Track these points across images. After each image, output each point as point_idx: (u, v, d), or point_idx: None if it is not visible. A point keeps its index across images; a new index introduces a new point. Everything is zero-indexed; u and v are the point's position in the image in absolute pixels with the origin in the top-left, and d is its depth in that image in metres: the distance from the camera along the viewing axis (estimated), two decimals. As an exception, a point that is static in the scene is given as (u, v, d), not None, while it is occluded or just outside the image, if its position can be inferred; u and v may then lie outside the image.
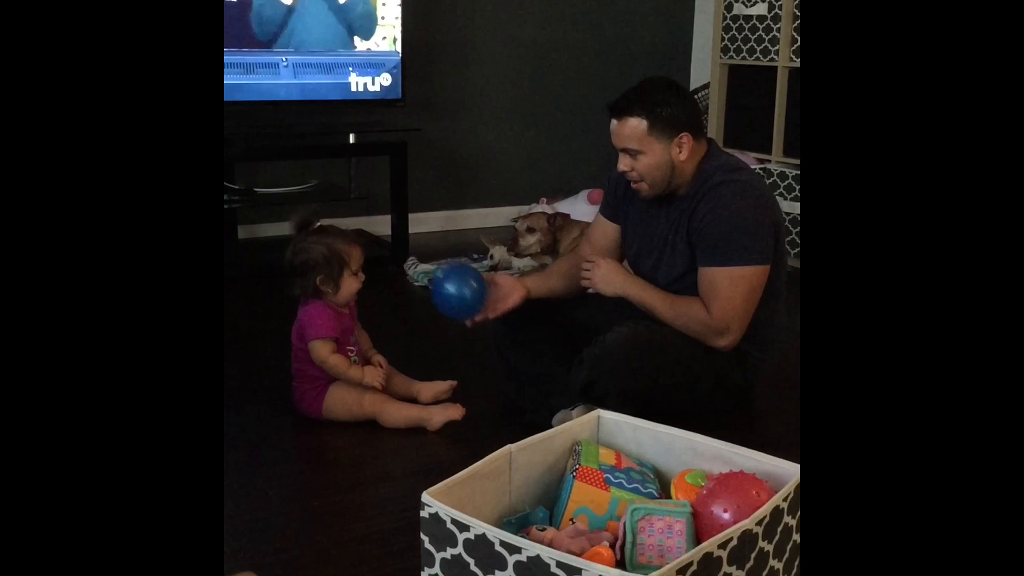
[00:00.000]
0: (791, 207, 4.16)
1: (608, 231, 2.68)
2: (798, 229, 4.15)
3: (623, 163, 2.40)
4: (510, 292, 2.50)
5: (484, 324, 2.51)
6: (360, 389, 2.45)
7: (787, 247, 4.10)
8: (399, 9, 4.12)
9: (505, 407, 2.56)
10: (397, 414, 2.43)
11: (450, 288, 2.38)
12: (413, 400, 2.53)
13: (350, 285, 2.44)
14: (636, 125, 2.34)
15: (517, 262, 3.96)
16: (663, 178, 2.39)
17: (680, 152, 2.35)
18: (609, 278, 2.45)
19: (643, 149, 2.35)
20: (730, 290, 2.33)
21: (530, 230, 3.87)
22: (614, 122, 2.39)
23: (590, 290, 2.52)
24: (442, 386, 2.55)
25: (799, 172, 4.15)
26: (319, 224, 2.48)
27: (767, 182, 4.27)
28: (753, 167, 4.30)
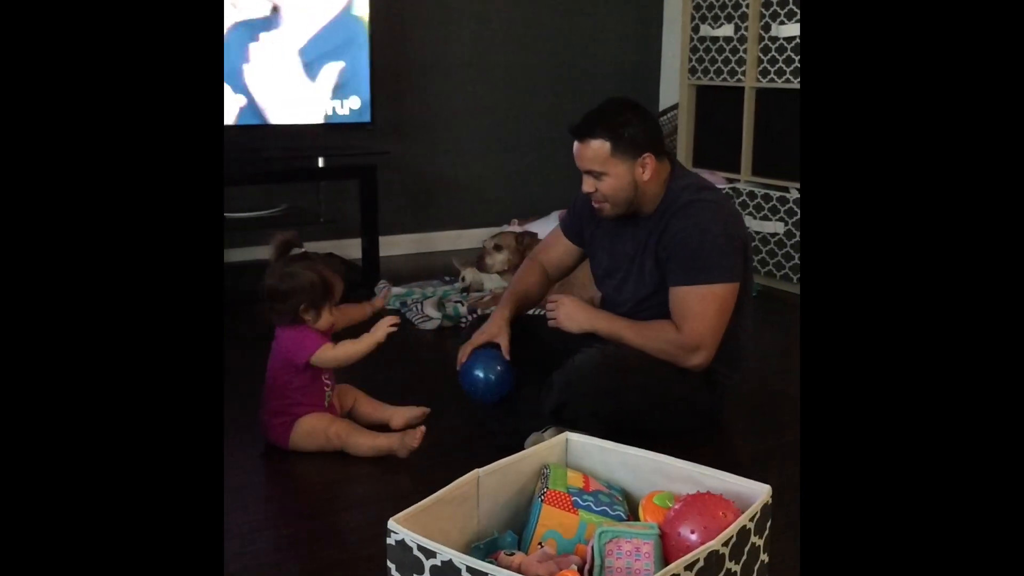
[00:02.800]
0: (760, 226, 4.19)
1: (565, 247, 2.71)
2: (768, 247, 4.18)
3: (587, 184, 2.41)
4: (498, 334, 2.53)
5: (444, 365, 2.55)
6: (327, 420, 2.42)
7: (756, 265, 4.13)
8: (368, 32, 4.12)
9: (476, 430, 2.55)
10: (364, 445, 2.40)
11: (478, 372, 2.47)
12: (385, 426, 2.51)
13: (329, 318, 2.43)
14: (599, 147, 2.36)
15: (488, 283, 3.96)
16: (626, 199, 2.40)
17: (643, 172, 2.37)
18: (574, 316, 2.46)
19: (606, 171, 2.37)
20: (701, 308, 2.34)
21: (497, 248, 3.87)
22: (577, 144, 2.40)
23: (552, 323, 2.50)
24: (414, 412, 2.53)
25: (767, 191, 4.18)
26: (303, 251, 2.46)
27: (736, 201, 4.30)
28: (722, 187, 4.34)
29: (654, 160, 2.37)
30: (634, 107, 2.42)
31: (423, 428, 2.40)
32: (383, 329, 2.39)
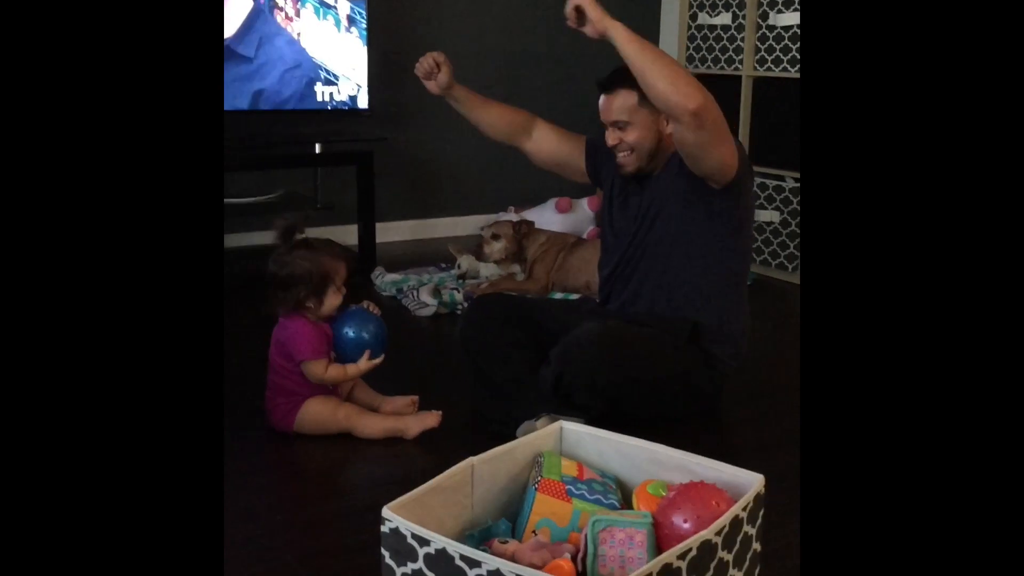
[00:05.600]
0: (756, 214, 4.19)
1: (575, 146, 2.76)
2: (764, 236, 4.18)
3: (611, 137, 2.48)
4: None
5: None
6: (334, 403, 2.44)
7: (751, 254, 4.15)
8: (365, 18, 4.11)
9: (470, 418, 2.56)
10: (373, 426, 2.42)
11: (349, 332, 2.45)
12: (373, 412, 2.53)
13: (333, 301, 2.43)
14: (626, 96, 2.43)
15: (484, 270, 3.97)
16: (650, 150, 2.47)
17: (668, 125, 2.41)
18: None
19: (632, 120, 2.44)
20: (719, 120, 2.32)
21: (495, 237, 3.87)
22: (603, 97, 2.48)
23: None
24: (403, 401, 2.54)
25: (763, 180, 4.18)
26: (305, 237, 2.46)
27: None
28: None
29: None
30: None
31: (440, 413, 2.44)
32: (365, 363, 2.43)
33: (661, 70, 2.22)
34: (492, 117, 2.74)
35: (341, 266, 2.44)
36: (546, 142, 2.77)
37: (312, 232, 4.46)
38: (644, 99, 2.39)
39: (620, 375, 2.33)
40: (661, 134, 2.45)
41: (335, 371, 2.43)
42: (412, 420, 2.44)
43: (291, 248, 2.41)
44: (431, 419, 2.43)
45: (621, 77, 2.42)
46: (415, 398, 2.54)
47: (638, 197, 2.53)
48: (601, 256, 2.70)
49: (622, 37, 2.22)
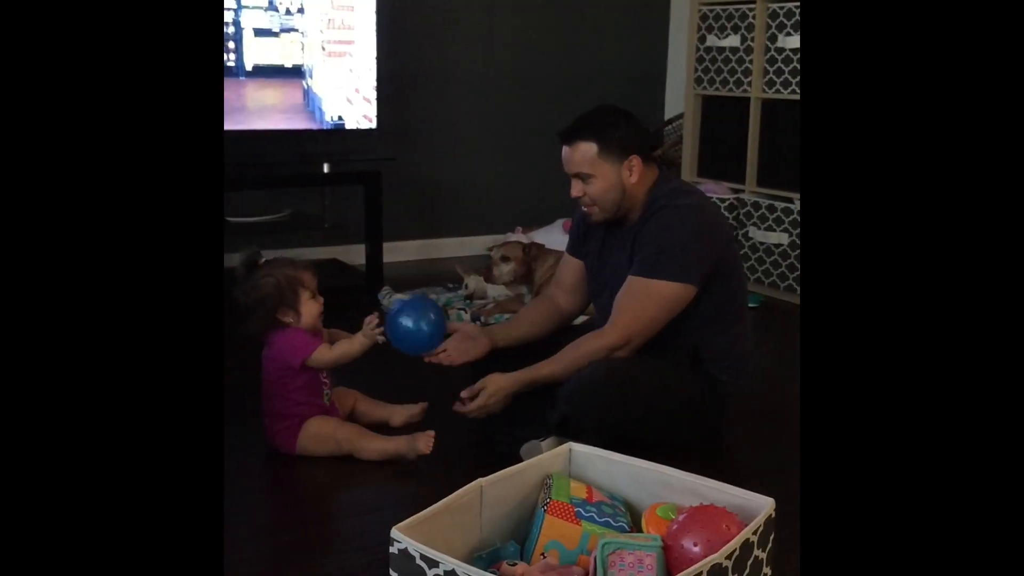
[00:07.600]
0: (764, 237, 4.18)
1: (575, 268, 2.71)
2: (772, 258, 4.17)
3: (575, 189, 2.45)
4: (474, 344, 2.50)
5: (443, 368, 2.47)
6: (334, 424, 2.43)
7: (760, 276, 4.12)
8: (374, 38, 4.13)
9: (477, 438, 2.55)
10: (372, 449, 2.40)
11: (407, 322, 2.35)
12: (384, 424, 2.51)
13: (311, 308, 2.41)
14: (586, 149, 2.39)
15: (492, 291, 3.96)
16: (614, 201, 2.43)
17: (631, 175, 2.39)
18: (497, 387, 2.37)
19: (594, 172, 2.40)
20: (643, 300, 2.34)
21: (504, 259, 3.87)
22: (565, 148, 2.44)
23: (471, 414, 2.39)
24: (413, 409, 2.53)
25: (772, 202, 4.18)
26: (263, 260, 2.46)
27: (740, 212, 4.30)
28: (726, 197, 4.34)
29: (641, 163, 2.41)
30: (621, 112, 2.46)
31: (433, 432, 2.39)
32: (370, 330, 2.38)
33: (577, 362, 2.33)
34: (530, 330, 2.65)
35: (306, 273, 2.43)
36: (575, 289, 2.71)
37: (319, 252, 4.50)
38: (604, 150, 2.38)
39: (629, 414, 2.31)
40: (625, 184, 2.41)
41: (340, 347, 2.39)
42: (405, 442, 2.38)
43: (254, 274, 2.41)
44: (422, 442, 2.36)
45: (580, 127, 2.40)
46: (425, 405, 2.52)
47: (620, 245, 2.49)
48: (593, 290, 2.66)
49: (543, 374, 2.37)
